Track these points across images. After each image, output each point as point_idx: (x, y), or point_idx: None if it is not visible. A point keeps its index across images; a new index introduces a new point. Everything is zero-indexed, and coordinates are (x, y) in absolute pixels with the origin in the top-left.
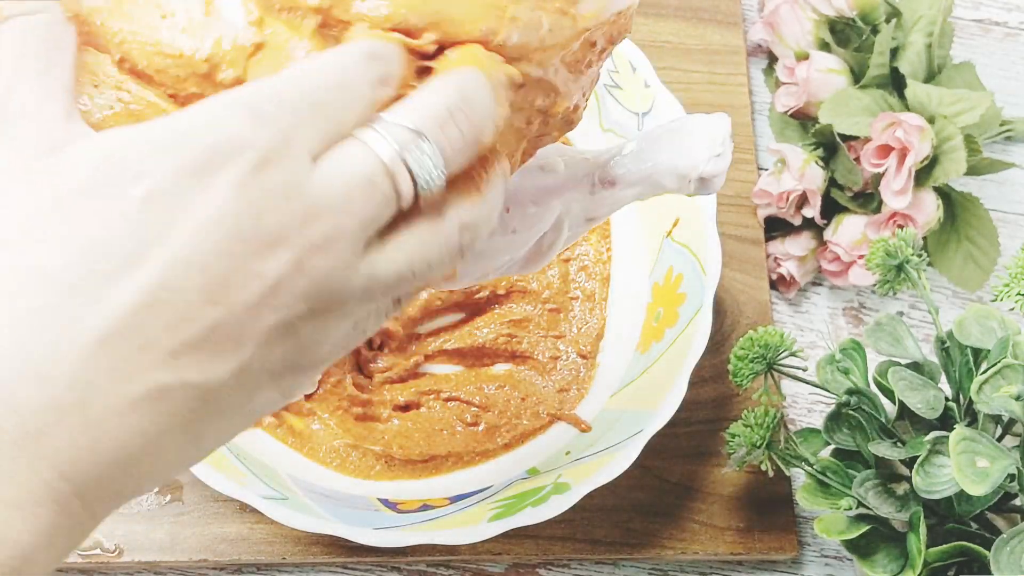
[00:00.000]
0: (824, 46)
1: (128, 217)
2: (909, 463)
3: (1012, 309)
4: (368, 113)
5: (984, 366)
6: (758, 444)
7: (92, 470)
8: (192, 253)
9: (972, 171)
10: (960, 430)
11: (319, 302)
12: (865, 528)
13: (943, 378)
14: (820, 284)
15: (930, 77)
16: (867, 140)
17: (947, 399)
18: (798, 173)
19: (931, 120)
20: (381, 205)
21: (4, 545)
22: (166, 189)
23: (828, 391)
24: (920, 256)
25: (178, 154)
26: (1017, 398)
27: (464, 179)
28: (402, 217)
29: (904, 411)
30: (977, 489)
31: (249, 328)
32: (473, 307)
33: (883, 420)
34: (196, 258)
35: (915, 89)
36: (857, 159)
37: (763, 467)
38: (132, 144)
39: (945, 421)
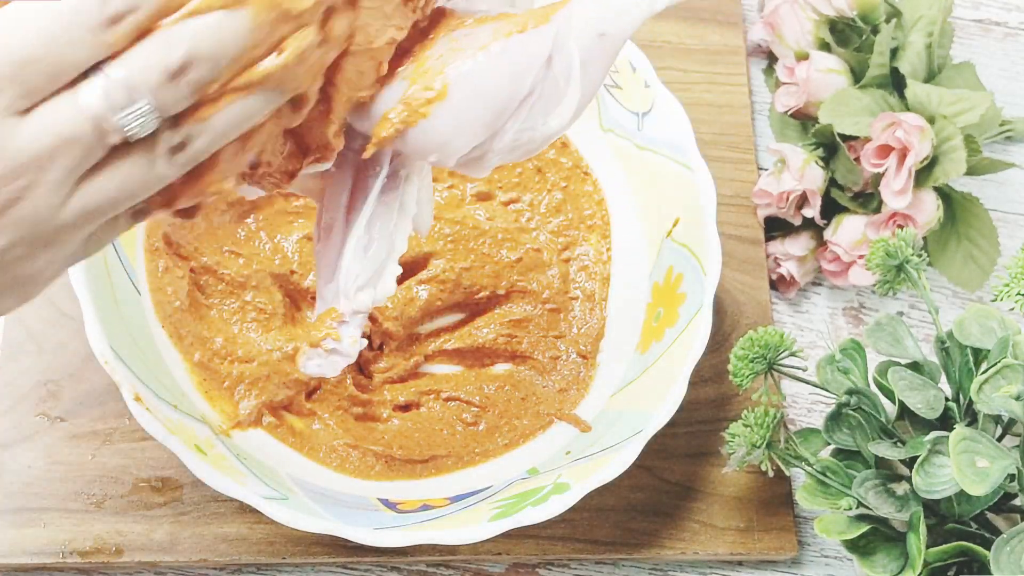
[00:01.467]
0: (824, 46)
1: None
2: (909, 463)
3: (1012, 309)
4: (95, 57)
5: (984, 366)
6: (758, 444)
7: None
8: None
9: (972, 171)
10: (960, 430)
11: (22, 239)
12: (865, 528)
13: (943, 378)
14: (820, 284)
15: (930, 77)
16: (867, 140)
17: (947, 399)
18: (798, 173)
19: (931, 120)
20: (86, 154)
21: None
22: None
23: (828, 391)
24: (920, 256)
25: None
26: (1017, 398)
27: (187, 110)
28: (113, 151)
29: (904, 411)
30: (977, 489)
31: None
32: (473, 307)
33: (883, 420)
34: None
35: (915, 89)
36: (857, 159)
37: (763, 467)
38: None
39: (945, 421)
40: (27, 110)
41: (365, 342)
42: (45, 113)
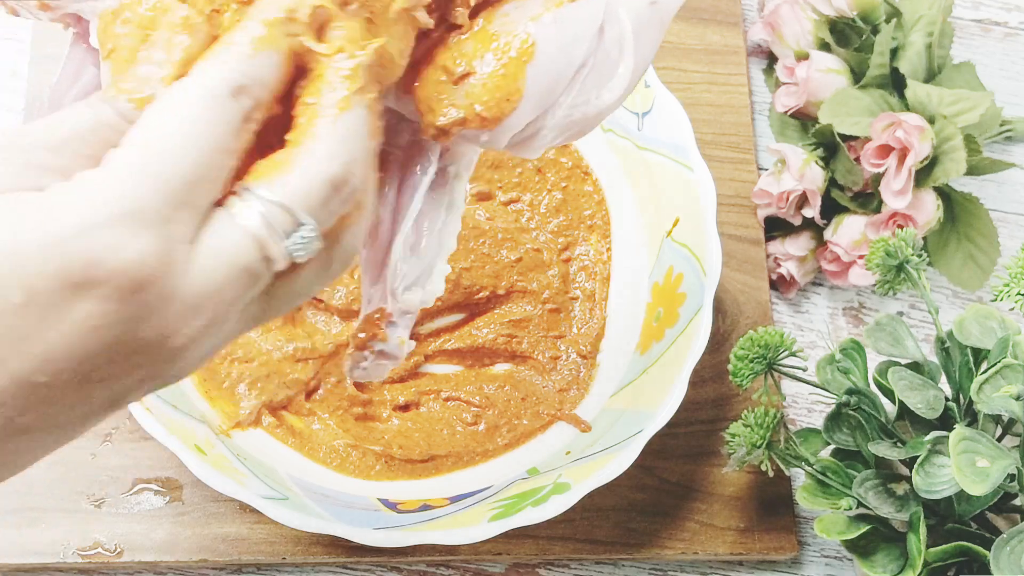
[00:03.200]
0: (824, 46)
1: (4, 319)
2: (909, 463)
3: (1012, 309)
4: (234, 165)
5: (984, 366)
6: (758, 444)
7: None
8: (67, 354)
9: (972, 171)
10: (960, 430)
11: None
12: (865, 528)
13: (943, 378)
14: (820, 284)
15: (930, 77)
16: (867, 140)
17: (947, 399)
18: (798, 173)
19: (931, 120)
20: (257, 283)
21: None
22: (44, 301)
23: (828, 391)
24: (920, 256)
25: (56, 266)
26: (1017, 398)
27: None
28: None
29: (904, 411)
30: (977, 489)
31: (127, 397)
32: (473, 307)
33: (883, 420)
34: (70, 357)
35: (915, 89)
36: (857, 159)
37: (763, 467)
38: (13, 252)
39: (945, 421)
40: (193, 237)
41: (413, 344)
42: (213, 244)
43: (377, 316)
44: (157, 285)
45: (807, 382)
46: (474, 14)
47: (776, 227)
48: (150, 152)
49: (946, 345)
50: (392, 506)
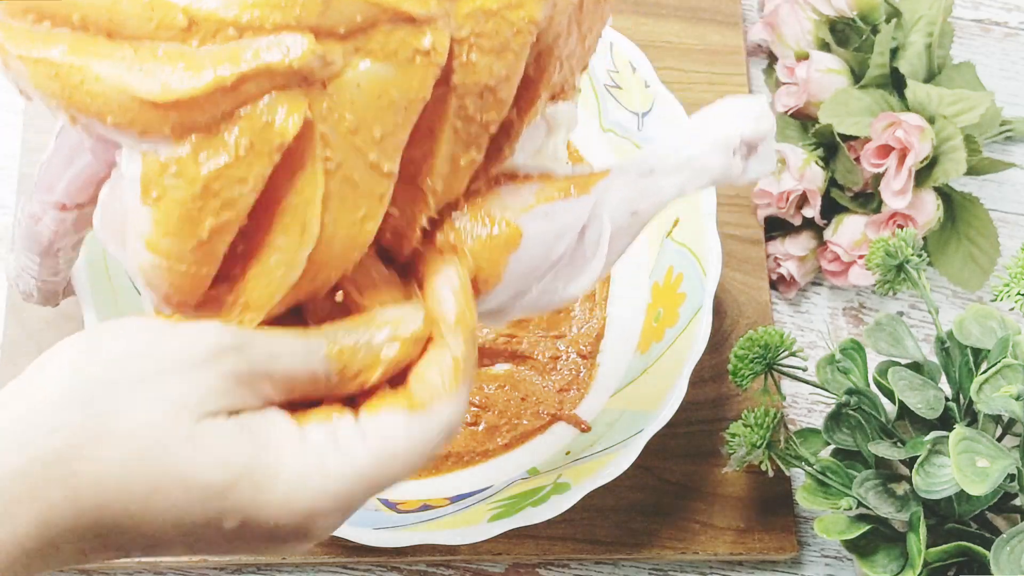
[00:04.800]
0: (824, 46)
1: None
2: (909, 463)
3: (1012, 309)
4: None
5: (984, 366)
6: (758, 444)
7: None
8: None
9: (972, 171)
10: (960, 430)
11: None
12: (865, 528)
13: (943, 378)
14: (820, 284)
15: (930, 77)
16: (867, 140)
17: (947, 399)
18: (798, 173)
19: (931, 120)
20: None
21: None
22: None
23: (828, 391)
24: (920, 256)
25: (296, 526)
26: (1017, 398)
27: None
28: None
29: (904, 411)
30: (977, 489)
31: None
32: None
33: (883, 420)
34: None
35: (915, 89)
36: (857, 159)
37: (763, 467)
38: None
39: (945, 421)
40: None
41: None
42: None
43: None
44: None
45: (807, 382)
46: (470, 194)
47: (776, 227)
48: (382, 469)
49: (946, 345)
50: (392, 506)
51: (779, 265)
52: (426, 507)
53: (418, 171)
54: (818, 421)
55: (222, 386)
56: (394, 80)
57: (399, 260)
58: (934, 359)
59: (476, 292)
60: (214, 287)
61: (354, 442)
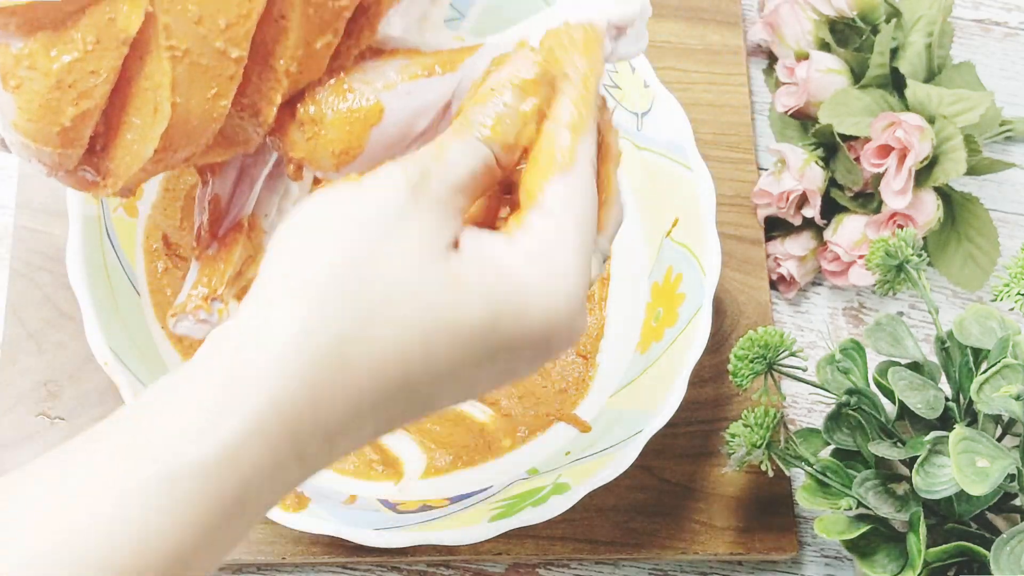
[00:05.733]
0: (824, 46)
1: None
2: (909, 463)
3: (1012, 309)
4: None
5: (984, 366)
6: (758, 444)
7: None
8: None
9: (972, 171)
10: (960, 430)
11: None
12: (865, 528)
13: (943, 378)
14: (820, 284)
15: (930, 77)
16: (867, 140)
17: (947, 399)
18: (798, 173)
19: (931, 120)
20: None
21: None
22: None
23: (828, 391)
24: (920, 256)
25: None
26: (1017, 398)
27: None
28: None
29: (904, 411)
30: (977, 489)
31: None
32: None
33: (883, 420)
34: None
35: (915, 89)
36: (857, 159)
37: (763, 467)
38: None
39: (945, 421)
40: None
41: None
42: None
43: (205, 294)
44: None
45: (807, 382)
46: (334, 69)
47: (776, 227)
48: (582, 239)
49: (946, 345)
50: (392, 506)
51: (779, 265)
52: (426, 507)
53: (270, 53)
54: (818, 421)
55: (438, 217)
56: None
57: (263, 129)
58: (934, 359)
59: (340, 163)
60: (84, 160)
61: (551, 227)
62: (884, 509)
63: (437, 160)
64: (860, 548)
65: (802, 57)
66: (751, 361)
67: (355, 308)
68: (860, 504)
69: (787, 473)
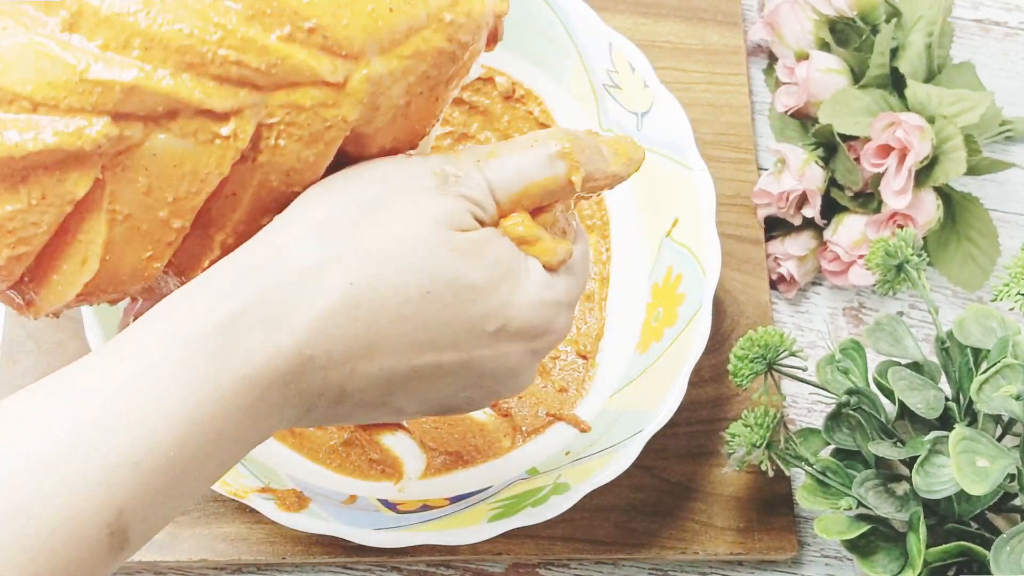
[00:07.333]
0: (824, 46)
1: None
2: (909, 463)
3: (1012, 309)
4: None
5: (984, 366)
6: (758, 444)
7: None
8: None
9: (972, 171)
10: (960, 430)
11: None
12: (865, 528)
13: (943, 378)
14: (820, 284)
15: (930, 77)
16: (867, 140)
17: (947, 399)
18: (798, 173)
19: (931, 120)
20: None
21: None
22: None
23: (828, 391)
24: (920, 256)
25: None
26: (1017, 398)
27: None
28: None
29: (904, 411)
30: (977, 489)
31: None
32: None
33: (883, 420)
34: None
35: (915, 89)
36: (857, 159)
37: (763, 467)
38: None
39: (945, 421)
40: None
41: None
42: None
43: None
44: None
45: (807, 382)
46: None
47: (776, 227)
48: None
49: (946, 345)
50: (392, 506)
51: (779, 265)
52: (426, 507)
53: (212, 223)
54: (818, 421)
55: (459, 206)
56: (191, 154)
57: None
58: (934, 359)
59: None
60: (12, 286)
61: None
62: (884, 509)
63: (498, 166)
64: (860, 548)
65: (802, 57)
66: (751, 361)
67: (364, 247)
68: (860, 504)
69: (787, 473)
